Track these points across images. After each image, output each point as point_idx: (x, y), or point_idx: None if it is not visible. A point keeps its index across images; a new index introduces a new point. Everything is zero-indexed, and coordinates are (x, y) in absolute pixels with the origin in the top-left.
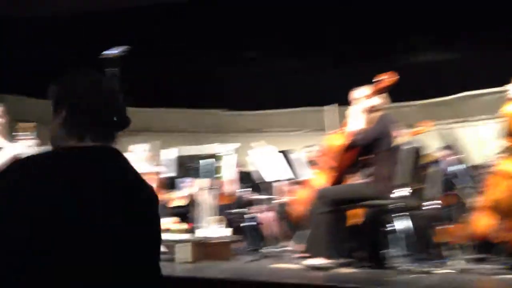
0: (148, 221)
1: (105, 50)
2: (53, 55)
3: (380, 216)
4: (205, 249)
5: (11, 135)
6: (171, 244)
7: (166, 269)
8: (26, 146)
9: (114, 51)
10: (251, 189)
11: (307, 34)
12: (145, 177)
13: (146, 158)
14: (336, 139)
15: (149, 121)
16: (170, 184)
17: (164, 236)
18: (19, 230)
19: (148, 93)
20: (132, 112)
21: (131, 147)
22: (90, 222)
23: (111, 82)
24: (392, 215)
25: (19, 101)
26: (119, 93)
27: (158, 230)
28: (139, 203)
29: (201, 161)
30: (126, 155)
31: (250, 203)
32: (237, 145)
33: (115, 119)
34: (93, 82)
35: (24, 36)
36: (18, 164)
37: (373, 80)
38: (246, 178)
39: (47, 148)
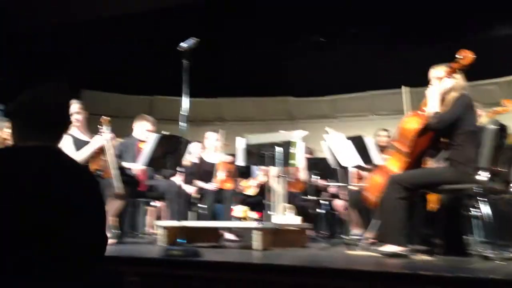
0: (70, 205)
1: (180, 42)
2: (125, 51)
3: (459, 202)
4: (279, 236)
5: (88, 128)
6: (246, 231)
7: (242, 255)
8: (105, 139)
9: (186, 44)
10: (319, 176)
11: (376, 14)
12: (220, 166)
13: (218, 147)
14: (411, 122)
15: (221, 111)
16: (245, 172)
17: (239, 224)
18: None
19: (219, 83)
20: (205, 102)
21: (207, 134)
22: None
23: (53, 94)
24: (473, 200)
25: (93, 96)
26: (58, 103)
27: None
28: (60, 190)
29: (276, 148)
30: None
31: (322, 190)
32: (304, 132)
33: (51, 123)
34: (33, 97)
35: (98, 35)
36: None
37: (454, 58)
38: (313, 165)
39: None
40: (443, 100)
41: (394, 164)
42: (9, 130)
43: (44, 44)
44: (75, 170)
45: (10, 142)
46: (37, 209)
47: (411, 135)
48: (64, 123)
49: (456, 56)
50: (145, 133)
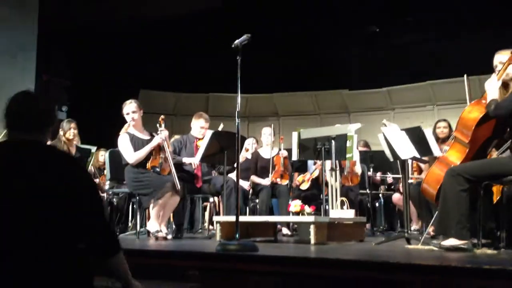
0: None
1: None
2: (180, 50)
3: None
4: (336, 230)
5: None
6: (302, 226)
7: (298, 250)
8: (160, 137)
9: (240, 41)
10: (373, 169)
11: (429, 3)
12: (276, 161)
13: (270, 142)
14: (472, 111)
15: (275, 106)
16: (300, 167)
17: (295, 218)
18: None
19: (274, 79)
20: (260, 98)
21: (263, 130)
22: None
23: (39, 98)
24: None
25: (150, 95)
26: (44, 106)
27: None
28: (41, 177)
29: (333, 142)
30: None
31: (379, 183)
32: (358, 125)
33: (35, 121)
34: (19, 99)
35: (152, 36)
36: None
37: None
38: (370, 158)
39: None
40: (507, 86)
41: (455, 155)
42: (75, 131)
43: (103, 47)
44: (61, 159)
45: (75, 142)
46: (28, 197)
47: (471, 124)
48: (47, 123)
49: None
50: (200, 130)
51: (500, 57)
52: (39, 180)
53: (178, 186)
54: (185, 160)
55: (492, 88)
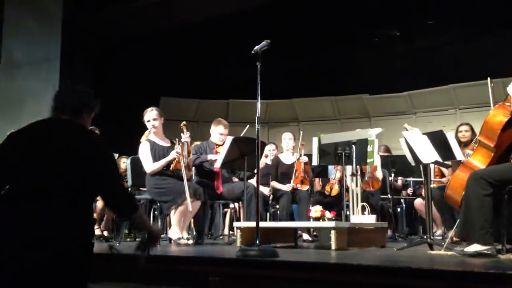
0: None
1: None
2: (201, 57)
3: None
4: (357, 236)
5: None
6: (323, 231)
7: (319, 255)
8: (176, 151)
9: (259, 47)
10: (394, 174)
11: (455, 3)
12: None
13: (291, 147)
14: (497, 115)
15: (296, 111)
16: (321, 172)
17: (315, 224)
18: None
19: (294, 84)
20: (280, 103)
21: (284, 135)
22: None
23: (77, 89)
24: None
25: (171, 102)
26: (79, 92)
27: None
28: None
29: (354, 147)
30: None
31: (401, 188)
32: (379, 129)
33: (74, 104)
34: (62, 89)
35: (172, 43)
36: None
37: None
38: (391, 163)
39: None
40: None
41: (479, 160)
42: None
43: (124, 55)
44: (88, 135)
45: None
46: (59, 159)
47: (496, 128)
48: (79, 109)
49: None
50: (219, 137)
51: None
52: (67, 148)
53: (187, 196)
54: (210, 157)
55: None
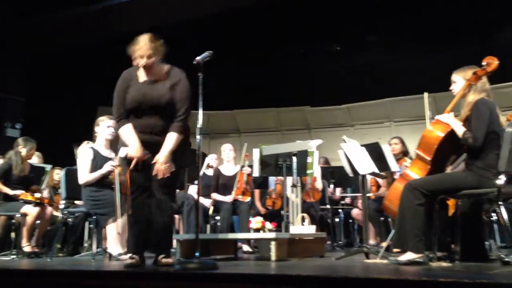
0: None
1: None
2: None
3: (479, 207)
4: (297, 246)
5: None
6: (263, 243)
7: (259, 267)
8: (111, 165)
9: (201, 57)
10: (333, 185)
11: (394, 21)
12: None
13: (232, 158)
14: (435, 130)
15: (237, 122)
16: (262, 183)
17: (255, 235)
18: None
19: (235, 95)
20: (221, 114)
21: (223, 146)
22: None
23: None
24: (493, 205)
25: (106, 112)
26: None
27: None
28: None
29: (294, 158)
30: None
31: (339, 199)
32: (319, 141)
33: None
34: None
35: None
36: None
37: (474, 61)
38: (330, 174)
39: None
40: (466, 104)
41: (416, 172)
42: (33, 151)
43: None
44: None
45: (30, 160)
46: None
47: (433, 143)
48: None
49: (483, 63)
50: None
51: (456, 77)
52: None
53: (119, 210)
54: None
55: (448, 119)
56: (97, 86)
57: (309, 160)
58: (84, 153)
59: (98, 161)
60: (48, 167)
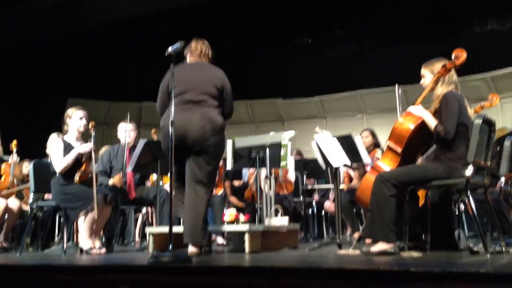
0: None
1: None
2: (114, 59)
3: (448, 197)
4: (270, 238)
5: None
6: (237, 235)
7: (232, 259)
8: (83, 148)
9: (173, 48)
10: (308, 177)
11: (364, 14)
12: None
13: None
14: (406, 123)
15: None
16: (235, 175)
17: (229, 227)
18: None
19: None
20: None
21: None
22: None
23: None
24: (462, 195)
25: (79, 103)
26: None
27: None
28: None
29: (268, 150)
30: None
31: (311, 190)
32: (292, 133)
33: None
34: None
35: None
36: None
37: (443, 53)
38: (303, 166)
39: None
40: (434, 97)
41: (387, 163)
42: None
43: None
44: None
45: None
46: None
47: (404, 135)
48: None
49: (452, 56)
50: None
51: (425, 70)
52: None
53: (96, 203)
54: (111, 182)
55: (420, 112)
56: (67, 78)
57: (282, 152)
58: (55, 145)
59: (68, 152)
60: (17, 159)
